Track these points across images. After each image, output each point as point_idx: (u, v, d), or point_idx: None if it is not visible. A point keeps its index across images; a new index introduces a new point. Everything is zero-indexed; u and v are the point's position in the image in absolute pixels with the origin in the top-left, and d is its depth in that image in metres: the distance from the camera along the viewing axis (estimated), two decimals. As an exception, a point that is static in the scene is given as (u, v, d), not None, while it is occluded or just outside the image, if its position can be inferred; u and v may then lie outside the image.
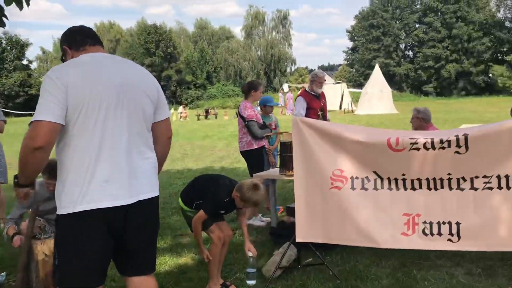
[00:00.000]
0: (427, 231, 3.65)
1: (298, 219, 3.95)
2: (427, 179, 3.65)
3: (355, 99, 32.77)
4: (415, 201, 3.69)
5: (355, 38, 57.12)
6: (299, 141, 3.93)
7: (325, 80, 6.78)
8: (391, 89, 30.94)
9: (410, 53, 55.96)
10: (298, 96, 6.87)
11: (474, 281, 3.78)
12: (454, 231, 3.58)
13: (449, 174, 3.59)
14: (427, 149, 3.55)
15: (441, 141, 3.51)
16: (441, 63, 48.70)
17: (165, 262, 4.52)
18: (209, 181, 3.92)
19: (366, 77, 32.62)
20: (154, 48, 58.02)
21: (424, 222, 3.66)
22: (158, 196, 2.59)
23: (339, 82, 36.44)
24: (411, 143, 3.58)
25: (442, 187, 3.63)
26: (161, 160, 2.72)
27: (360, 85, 39.71)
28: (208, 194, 3.72)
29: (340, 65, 71.75)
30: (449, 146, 3.50)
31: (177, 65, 59.83)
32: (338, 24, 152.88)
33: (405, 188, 3.72)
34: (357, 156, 3.79)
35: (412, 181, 3.69)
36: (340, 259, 4.41)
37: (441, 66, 48.66)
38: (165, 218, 6.02)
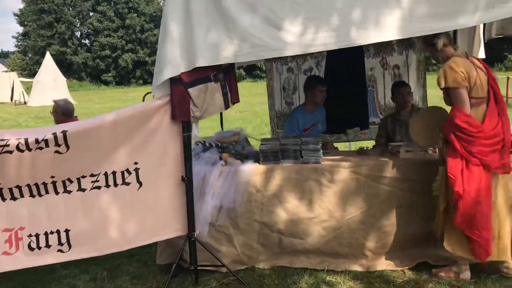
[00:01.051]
0: (34, 245, 3.16)
1: None
2: (29, 186, 3.14)
3: (29, 89, 29.93)
4: (17, 213, 3.15)
5: (26, 23, 51.88)
6: None
7: None
8: (65, 78, 29.54)
9: (87, 41, 54.54)
10: None
11: (97, 287, 3.51)
12: (63, 240, 3.20)
13: (52, 177, 3.16)
14: (21, 151, 3.02)
15: (37, 141, 3.04)
16: (118, 52, 49.23)
17: None
18: None
19: (41, 65, 30.08)
20: None
21: (30, 236, 3.16)
22: None
23: (7, 71, 32.53)
24: (1, 146, 2.98)
25: (47, 192, 3.18)
26: None
27: (35, 74, 36.52)
28: None
29: (13, 52, 64.34)
30: (47, 145, 3.06)
31: None
32: (7, 7, 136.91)
33: (4, 199, 3.13)
34: None
35: (10, 189, 3.11)
36: None
37: (118, 55, 49.15)
38: None
